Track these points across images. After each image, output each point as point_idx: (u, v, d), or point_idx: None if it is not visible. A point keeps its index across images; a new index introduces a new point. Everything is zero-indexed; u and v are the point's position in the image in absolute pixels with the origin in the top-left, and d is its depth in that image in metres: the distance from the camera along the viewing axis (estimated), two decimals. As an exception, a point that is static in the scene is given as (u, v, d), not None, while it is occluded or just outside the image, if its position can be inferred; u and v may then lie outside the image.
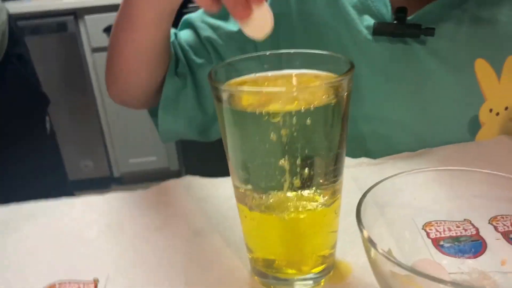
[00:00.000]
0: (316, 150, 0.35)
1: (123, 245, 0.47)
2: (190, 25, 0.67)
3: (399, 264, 0.30)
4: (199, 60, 0.64)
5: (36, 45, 1.79)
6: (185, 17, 0.68)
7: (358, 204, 0.36)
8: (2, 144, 0.96)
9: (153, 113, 0.68)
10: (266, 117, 0.33)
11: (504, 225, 0.42)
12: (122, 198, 0.55)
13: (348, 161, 0.54)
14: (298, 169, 0.35)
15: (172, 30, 0.66)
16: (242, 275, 0.42)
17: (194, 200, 0.53)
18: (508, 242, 0.41)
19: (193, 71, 0.63)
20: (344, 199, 0.41)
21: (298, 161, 0.35)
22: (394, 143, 0.63)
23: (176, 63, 0.63)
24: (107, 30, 1.91)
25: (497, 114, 0.63)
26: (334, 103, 0.34)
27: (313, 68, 0.39)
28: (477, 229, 0.43)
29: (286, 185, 0.36)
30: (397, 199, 0.43)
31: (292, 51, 0.38)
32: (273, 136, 0.34)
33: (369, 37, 0.61)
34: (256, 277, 0.41)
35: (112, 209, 0.53)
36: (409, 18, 0.60)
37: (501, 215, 0.43)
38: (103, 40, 1.95)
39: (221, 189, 0.55)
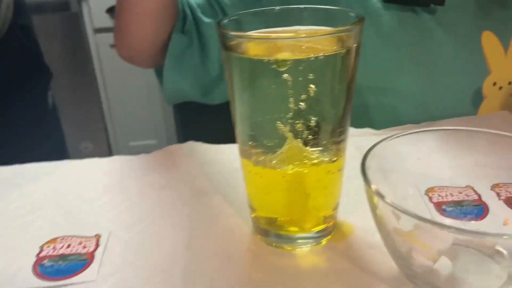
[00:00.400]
0: (323, 103, 0.35)
1: (125, 203, 0.47)
2: None
3: (407, 213, 0.30)
4: (206, 19, 0.63)
5: (38, 24, 1.77)
6: None
7: (363, 160, 0.36)
8: (4, 116, 0.96)
9: (159, 75, 0.68)
10: (274, 66, 0.32)
11: (507, 191, 0.42)
12: (125, 161, 0.55)
13: (351, 131, 0.54)
14: (304, 123, 0.35)
15: None
16: (244, 233, 0.42)
17: (197, 164, 0.53)
18: (510, 207, 0.41)
19: (199, 29, 0.63)
20: (347, 166, 0.41)
21: (305, 115, 0.35)
22: (398, 114, 0.63)
23: (184, 21, 0.63)
24: (110, 10, 1.90)
25: (500, 88, 0.63)
26: (343, 54, 0.33)
27: (322, 24, 0.38)
28: (479, 195, 0.43)
29: (291, 139, 0.36)
30: (400, 165, 0.43)
31: (301, 6, 0.38)
32: (280, 86, 0.33)
33: (379, 5, 0.61)
34: (258, 236, 0.41)
35: (116, 170, 0.53)
36: None
37: (504, 182, 0.43)
38: (105, 20, 1.94)
39: (225, 154, 0.55)
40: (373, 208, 0.35)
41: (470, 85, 0.63)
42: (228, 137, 0.58)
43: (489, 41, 0.61)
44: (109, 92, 2.11)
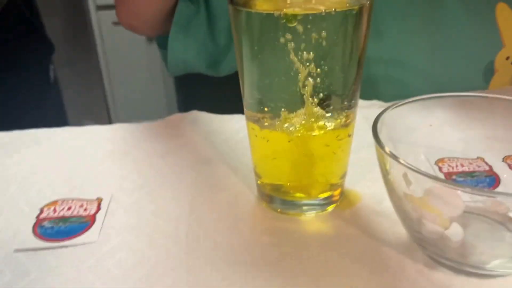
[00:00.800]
0: (335, 65, 0.34)
1: (127, 169, 0.46)
2: None
3: (421, 172, 0.29)
4: None
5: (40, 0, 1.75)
6: None
7: (374, 124, 0.35)
8: (5, 87, 0.94)
9: (161, 45, 0.65)
10: (283, 21, 0.31)
11: (519, 162, 0.41)
12: (127, 128, 0.54)
13: (360, 102, 0.53)
14: (314, 85, 0.34)
15: None
16: (249, 199, 0.41)
17: (201, 133, 0.52)
18: (523, 178, 0.40)
19: None
20: (355, 137, 0.40)
21: (315, 76, 0.33)
22: (407, 86, 0.62)
23: None
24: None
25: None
26: (356, 11, 0.32)
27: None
28: (490, 166, 0.42)
29: (300, 101, 0.34)
30: (409, 135, 0.42)
31: None
32: (289, 44, 0.32)
33: None
34: (263, 202, 0.40)
35: (117, 137, 0.52)
36: None
37: (516, 154, 0.42)
38: (108, -2, 1.91)
39: (230, 124, 0.54)
40: (385, 173, 0.34)
41: (482, 58, 0.61)
42: (230, 111, 0.57)
43: (503, 13, 0.60)
44: (110, 69, 2.09)
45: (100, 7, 1.98)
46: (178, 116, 0.55)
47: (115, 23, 1.96)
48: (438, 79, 0.62)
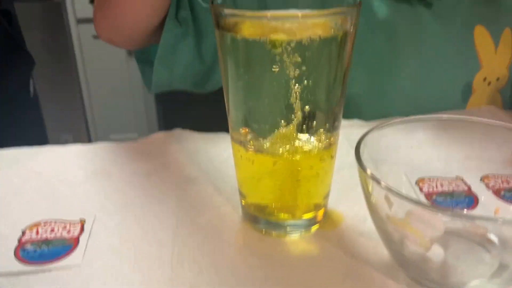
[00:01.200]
0: (318, 89, 0.34)
1: (110, 189, 0.46)
2: None
3: (402, 196, 0.30)
4: (204, 4, 0.58)
5: (19, 12, 1.74)
6: None
7: (357, 146, 0.36)
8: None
9: (140, 59, 0.64)
10: (268, 47, 0.32)
11: (496, 182, 0.43)
12: (109, 148, 0.54)
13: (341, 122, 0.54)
14: (298, 108, 0.34)
15: None
16: (234, 220, 0.41)
17: (185, 152, 0.52)
18: (499, 198, 0.41)
19: (195, 15, 0.58)
20: (336, 156, 0.41)
21: (299, 100, 0.34)
22: (388, 105, 0.63)
23: (178, 4, 0.58)
24: (94, 1, 1.87)
25: (489, 83, 0.63)
26: (339, 37, 0.33)
27: (318, 8, 0.38)
28: (469, 186, 0.43)
29: (285, 124, 0.35)
30: (390, 155, 0.43)
31: None
32: (274, 69, 0.33)
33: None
34: (248, 223, 0.41)
35: (99, 156, 0.52)
36: None
37: (493, 174, 0.43)
38: (89, 11, 1.90)
39: (214, 143, 0.54)
40: (367, 195, 0.35)
41: (461, 79, 0.63)
42: (212, 131, 0.57)
43: (481, 36, 0.62)
44: (90, 83, 2.08)
45: (80, 21, 1.97)
46: (161, 134, 0.55)
47: (95, 37, 1.95)
48: (418, 97, 0.63)
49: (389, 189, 0.31)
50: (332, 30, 0.33)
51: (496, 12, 0.63)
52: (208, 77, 0.62)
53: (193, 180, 0.47)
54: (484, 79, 0.63)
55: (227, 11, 0.33)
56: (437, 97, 0.63)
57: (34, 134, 1.09)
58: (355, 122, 0.57)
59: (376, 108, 0.64)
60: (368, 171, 0.33)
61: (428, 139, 0.44)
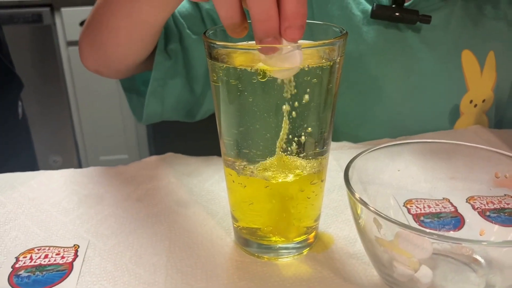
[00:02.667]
0: (307, 115, 0.36)
1: (103, 214, 0.46)
2: None
3: (390, 220, 0.31)
4: (194, 36, 0.59)
5: (9, 35, 1.75)
6: None
7: (346, 170, 0.37)
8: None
9: (128, 89, 0.64)
10: (259, 76, 0.33)
11: (481, 203, 0.44)
12: (102, 172, 0.54)
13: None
14: (288, 134, 0.35)
15: None
16: (226, 243, 0.42)
17: (177, 175, 0.53)
18: (485, 218, 0.42)
19: (185, 47, 0.59)
20: (326, 178, 0.42)
21: (289, 125, 0.35)
22: (376, 128, 0.64)
23: (167, 37, 0.58)
24: (84, 23, 1.89)
25: (475, 105, 0.65)
26: (327, 67, 0.34)
27: (307, 38, 0.39)
28: (455, 207, 0.44)
29: (276, 149, 0.36)
30: (379, 177, 0.44)
31: None
32: (264, 97, 0.34)
33: (364, 21, 0.62)
34: (240, 246, 0.41)
35: (92, 181, 0.52)
36: (405, 5, 0.62)
37: (478, 195, 0.44)
38: (79, 33, 1.92)
39: (205, 166, 0.55)
40: (356, 217, 0.36)
41: (449, 102, 0.65)
42: (202, 152, 0.58)
43: (467, 59, 0.64)
44: (80, 105, 2.08)
45: (70, 43, 1.98)
46: (153, 158, 0.56)
47: (86, 59, 1.96)
48: (405, 121, 0.65)
49: (377, 213, 0.32)
50: (321, 59, 0.35)
51: (481, 36, 0.64)
52: (198, 106, 0.63)
53: (186, 203, 0.48)
54: (471, 102, 0.65)
55: (218, 43, 0.34)
56: (424, 120, 0.64)
57: (23, 157, 1.08)
58: (345, 144, 0.59)
59: (365, 130, 0.65)
60: (357, 195, 0.34)
61: (415, 162, 0.45)
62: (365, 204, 0.33)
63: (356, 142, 0.59)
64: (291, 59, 0.33)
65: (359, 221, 0.36)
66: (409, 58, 0.63)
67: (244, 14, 0.35)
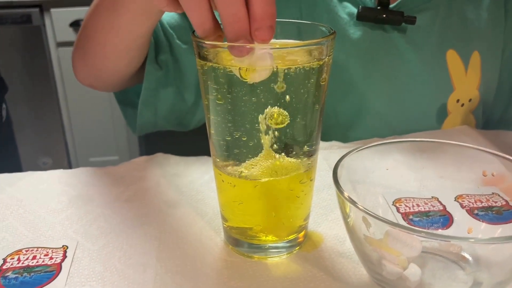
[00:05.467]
0: (297, 114, 0.36)
1: (93, 215, 0.46)
2: None
3: (379, 218, 0.31)
4: (184, 45, 0.60)
5: (-2, 36, 1.74)
6: None
7: (334, 169, 0.37)
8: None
9: (122, 101, 0.64)
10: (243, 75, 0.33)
11: (469, 202, 0.44)
12: (91, 173, 0.54)
13: (320, 144, 0.55)
14: (277, 133, 0.35)
15: None
16: (216, 243, 0.42)
17: (166, 175, 0.53)
18: (473, 217, 0.43)
19: (175, 57, 0.59)
20: (316, 177, 0.42)
21: (278, 125, 0.35)
22: (365, 128, 0.65)
23: (157, 48, 0.59)
24: (74, 24, 1.88)
25: (462, 105, 0.66)
26: (316, 66, 0.34)
27: (295, 38, 0.39)
28: (444, 206, 0.45)
29: (265, 149, 0.36)
30: (368, 176, 0.44)
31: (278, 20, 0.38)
32: (253, 96, 0.34)
33: (350, 23, 0.63)
34: (230, 246, 0.41)
35: (81, 182, 0.52)
36: (390, 6, 0.62)
37: (466, 194, 0.45)
38: (69, 34, 1.90)
39: (195, 167, 0.55)
40: (345, 216, 0.36)
41: (436, 101, 0.65)
42: (192, 152, 0.58)
43: (452, 59, 0.64)
44: (70, 106, 2.07)
45: (60, 44, 1.97)
46: (143, 158, 0.56)
47: (75, 60, 1.95)
48: (394, 120, 0.65)
49: (366, 211, 0.32)
50: (310, 59, 0.35)
51: (465, 36, 0.65)
52: (191, 115, 0.63)
53: (175, 204, 0.47)
54: (458, 101, 0.66)
55: (207, 42, 0.34)
56: (412, 119, 0.65)
57: (7, 160, 1.07)
58: (334, 143, 0.59)
59: (354, 131, 0.65)
60: (346, 194, 0.34)
61: (404, 161, 0.45)
62: (353, 202, 0.33)
63: (345, 142, 0.59)
64: (261, 61, 0.33)
65: (348, 220, 0.36)
66: (395, 58, 0.64)
67: (217, 21, 0.35)
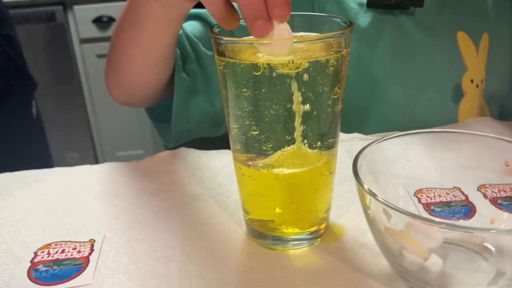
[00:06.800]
0: (316, 107, 0.36)
1: (118, 209, 0.47)
2: (196, 15, 0.64)
3: (399, 210, 0.31)
4: (209, 52, 0.61)
5: (23, 35, 1.77)
6: None
7: (354, 161, 0.37)
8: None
9: (155, 117, 0.66)
10: (263, 70, 0.33)
11: (493, 191, 0.44)
12: (116, 167, 0.55)
13: (341, 136, 0.55)
14: (295, 126, 0.36)
15: None
16: (238, 235, 0.43)
17: (189, 169, 0.53)
18: (496, 207, 0.42)
19: (202, 64, 0.61)
20: (338, 169, 0.42)
21: (298, 118, 0.35)
22: (382, 115, 0.65)
23: (183, 58, 0.60)
24: (96, 21, 1.90)
25: (477, 86, 0.66)
26: (334, 59, 0.34)
27: (311, 31, 0.40)
28: (466, 196, 0.44)
29: (284, 142, 0.36)
30: (388, 168, 0.44)
31: (292, 13, 0.39)
32: (272, 90, 0.34)
33: (357, 8, 0.63)
34: (252, 238, 0.42)
35: (107, 177, 0.53)
36: None
37: (489, 183, 0.44)
38: (92, 31, 1.94)
39: (216, 160, 0.55)
40: (366, 208, 0.36)
41: (450, 81, 0.65)
42: (217, 147, 0.59)
43: (463, 41, 0.65)
44: (95, 101, 2.10)
45: (83, 40, 2.00)
46: (166, 153, 0.57)
47: (99, 56, 1.98)
48: (411, 106, 0.65)
49: (386, 203, 0.32)
50: (328, 52, 0.35)
51: (474, 18, 0.66)
52: (222, 119, 0.64)
53: (198, 197, 0.48)
54: (472, 81, 0.66)
55: (225, 38, 0.34)
56: (426, 102, 0.65)
57: (38, 155, 1.10)
58: (355, 135, 0.59)
59: (371, 120, 0.65)
60: (366, 186, 0.34)
61: (424, 152, 0.45)
62: (373, 195, 0.33)
63: (366, 133, 0.59)
64: (280, 34, 0.34)
65: (368, 212, 0.36)
66: (406, 42, 0.64)
67: (232, 6, 0.36)
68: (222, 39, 0.35)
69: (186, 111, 0.61)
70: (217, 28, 0.38)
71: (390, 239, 0.35)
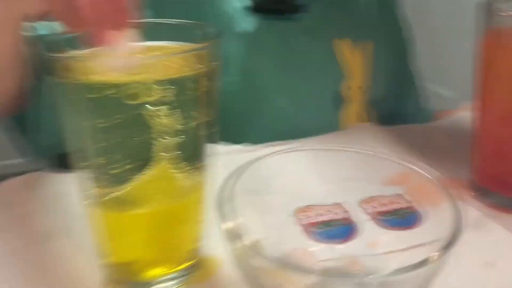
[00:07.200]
0: (170, 130, 0.30)
1: None
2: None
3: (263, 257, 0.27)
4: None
5: None
6: None
7: (219, 192, 0.33)
8: None
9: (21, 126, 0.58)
10: (105, 90, 0.27)
11: (373, 207, 0.42)
12: None
13: (220, 148, 0.51)
14: (159, 151, 0.30)
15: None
16: (94, 282, 0.36)
17: (39, 199, 0.46)
18: (376, 224, 0.40)
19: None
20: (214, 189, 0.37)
21: (149, 144, 0.30)
22: (265, 122, 0.63)
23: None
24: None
25: (354, 92, 0.68)
26: (191, 76, 0.29)
27: (179, 40, 0.34)
28: (348, 212, 0.42)
29: (136, 172, 0.30)
30: (267, 186, 0.41)
31: (155, 20, 0.33)
32: (113, 112, 0.28)
33: (240, 16, 0.61)
34: (111, 286, 0.36)
35: None
36: None
37: (370, 196, 0.43)
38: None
39: (71, 186, 0.48)
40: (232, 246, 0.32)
41: (330, 88, 0.66)
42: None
43: (340, 48, 0.66)
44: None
45: None
46: (11, 181, 0.49)
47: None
48: (292, 114, 0.64)
49: (252, 249, 0.28)
50: (190, 66, 0.30)
51: (359, 27, 0.68)
52: None
53: (47, 236, 0.41)
54: (349, 88, 0.67)
55: (57, 55, 0.28)
56: (308, 107, 0.65)
57: None
58: (235, 148, 0.55)
59: (252, 127, 0.64)
60: (228, 224, 0.30)
61: (304, 166, 0.43)
62: (238, 236, 0.29)
63: (247, 141, 0.57)
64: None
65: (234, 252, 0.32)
66: (290, 49, 0.64)
67: None
68: (51, 55, 0.28)
69: (45, 123, 0.54)
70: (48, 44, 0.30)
71: (264, 278, 0.31)
